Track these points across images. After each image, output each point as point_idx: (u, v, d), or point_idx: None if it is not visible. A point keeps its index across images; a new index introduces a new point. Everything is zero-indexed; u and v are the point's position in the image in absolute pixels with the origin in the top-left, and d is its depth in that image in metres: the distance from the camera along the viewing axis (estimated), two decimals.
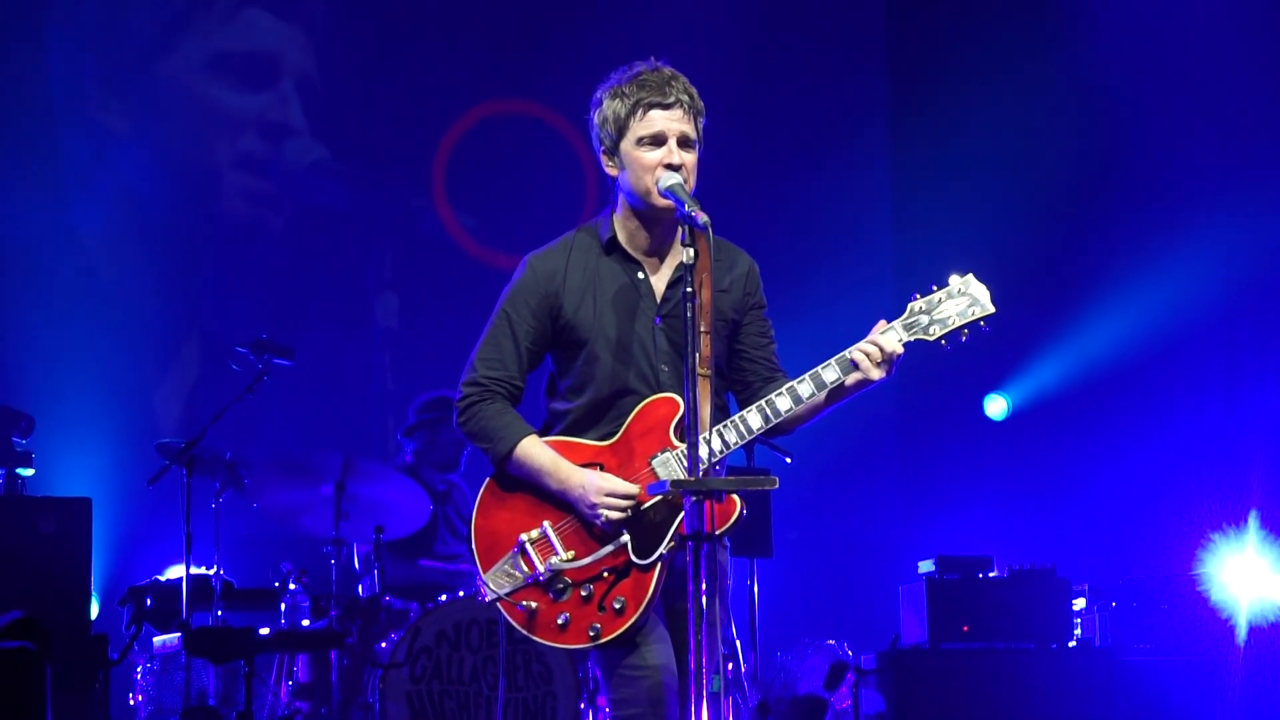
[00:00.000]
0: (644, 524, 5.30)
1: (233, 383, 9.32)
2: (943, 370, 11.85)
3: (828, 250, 12.60)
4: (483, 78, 12.37)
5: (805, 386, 5.41)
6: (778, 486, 5.26)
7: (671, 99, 5.40)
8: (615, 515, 5.29)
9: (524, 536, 5.38)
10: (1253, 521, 10.28)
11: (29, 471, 9.29)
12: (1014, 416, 12.38)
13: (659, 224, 5.50)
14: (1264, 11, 11.25)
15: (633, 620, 5.29)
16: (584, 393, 5.50)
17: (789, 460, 9.48)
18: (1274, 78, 11.22)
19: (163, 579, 9.49)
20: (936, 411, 12.78)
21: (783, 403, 5.41)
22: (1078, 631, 9.97)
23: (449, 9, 12.36)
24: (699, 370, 5.10)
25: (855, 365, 5.39)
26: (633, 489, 5.28)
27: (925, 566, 9.90)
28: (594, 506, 5.29)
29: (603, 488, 5.29)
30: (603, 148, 5.53)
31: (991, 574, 9.87)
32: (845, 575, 12.35)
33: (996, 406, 12.42)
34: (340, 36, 12.28)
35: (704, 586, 4.98)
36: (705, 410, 5.12)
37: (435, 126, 12.29)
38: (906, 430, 13.06)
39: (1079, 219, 12.01)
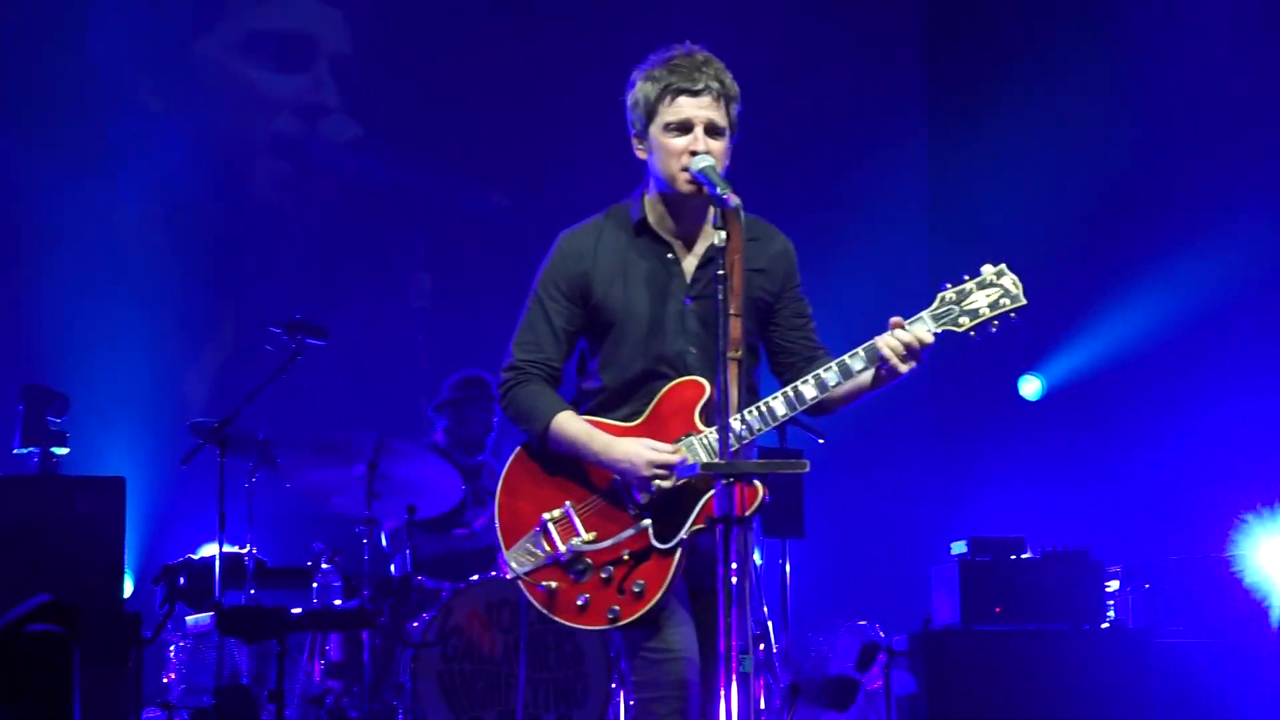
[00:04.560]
0: (665, 507, 5.31)
1: (266, 362, 9.33)
2: (977, 351, 11.76)
3: (862, 236, 12.55)
4: (518, 57, 12.37)
5: (831, 375, 5.41)
6: (809, 470, 5.26)
7: (700, 85, 5.40)
8: (665, 484, 5.29)
9: (546, 516, 5.41)
10: None
11: (64, 450, 9.32)
12: (1048, 397, 12.33)
13: (688, 207, 5.50)
14: None
15: (651, 604, 5.31)
16: (612, 373, 5.52)
17: (821, 441, 9.47)
18: None
19: (196, 558, 9.52)
20: (970, 392, 12.75)
21: (808, 390, 5.41)
22: (1111, 613, 9.94)
23: None
24: (729, 354, 5.09)
25: (882, 357, 5.38)
26: (678, 456, 5.29)
27: (958, 547, 9.88)
28: (644, 478, 5.30)
29: (652, 459, 5.30)
30: (633, 130, 5.54)
31: (1024, 555, 9.85)
32: (877, 556, 12.34)
33: (1031, 387, 12.37)
34: (377, 16, 12.28)
35: (733, 567, 4.99)
36: (734, 394, 5.10)
37: (471, 105, 12.29)
38: (940, 411, 13.03)
39: (1118, 200, 11.94)
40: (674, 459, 5.29)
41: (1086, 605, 9.72)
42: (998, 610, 9.69)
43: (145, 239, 11.52)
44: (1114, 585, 10.05)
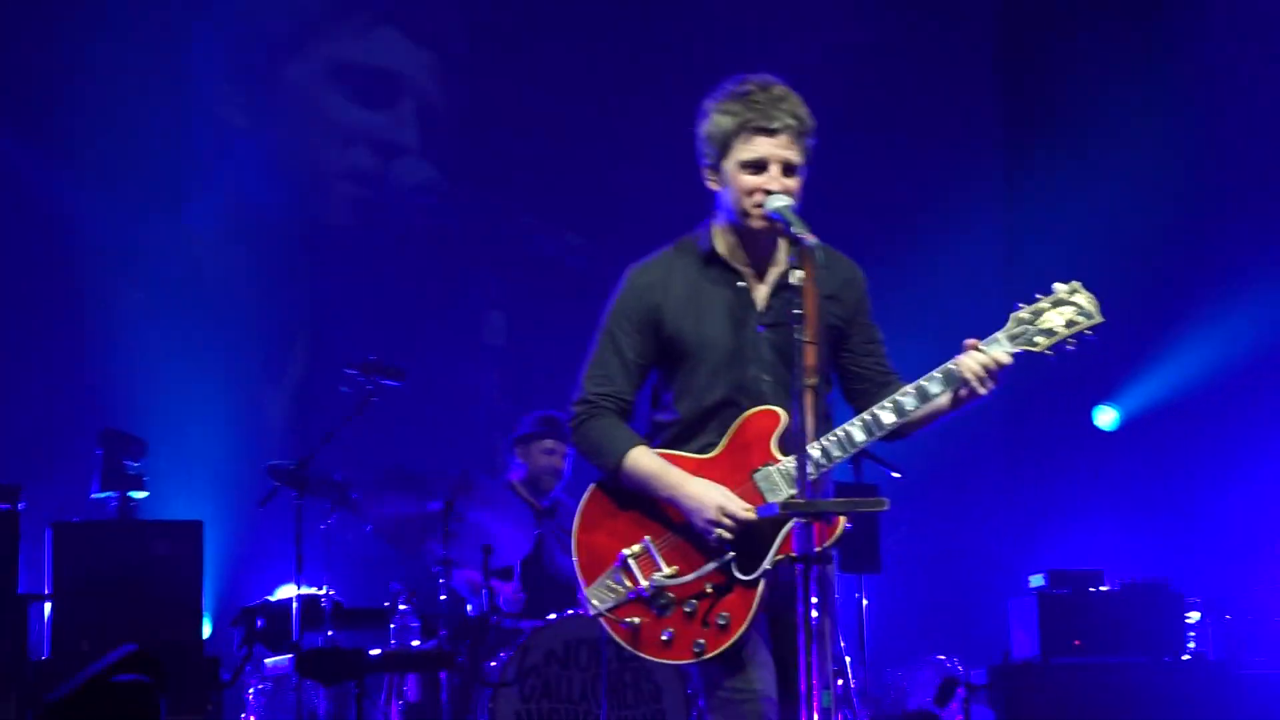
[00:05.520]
0: (747, 538, 5.28)
1: (340, 401, 9.36)
2: (1052, 381, 11.72)
3: (938, 265, 12.51)
4: (591, 96, 12.42)
5: (909, 399, 5.37)
6: (887, 508, 5.20)
7: (778, 124, 5.37)
8: (728, 536, 5.27)
9: (625, 552, 5.38)
10: None
11: (142, 494, 9.37)
12: (1124, 427, 12.27)
13: (759, 238, 5.48)
14: None
15: (738, 635, 5.27)
16: (685, 404, 5.50)
17: (897, 475, 9.44)
18: None
19: (274, 600, 9.53)
20: (1045, 422, 12.69)
21: (886, 416, 5.37)
22: (1191, 645, 9.88)
23: (571, 41, 12.43)
24: (805, 381, 5.07)
25: (963, 380, 5.35)
26: (749, 515, 5.25)
27: (1036, 580, 9.84)
28: (710, 522, 5.27)
29: (723, 505, 5.27)
30: (706, 162, 5.52)
31: (1103, 588, 9.79)
32: (954, 589, 12.28)
33: (1107, 417, 12.31)
34: (464, 62, 12.35)
35: (814, 602, 4.96)
36: (810, 422, 5.07)
37: (544, 145, 12.33)
38: (1015, 442, 12.97)
39: (1196, 226, 11.89)
40: (744, 514, 5.26)
41: (1167, 637, 9.67)
42: (1077, 643, 9.64)
43: (218, 261, 11.56)
44: (1194, 616, 9.99)
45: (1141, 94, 12.19)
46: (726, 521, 5.26)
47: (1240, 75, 11.77)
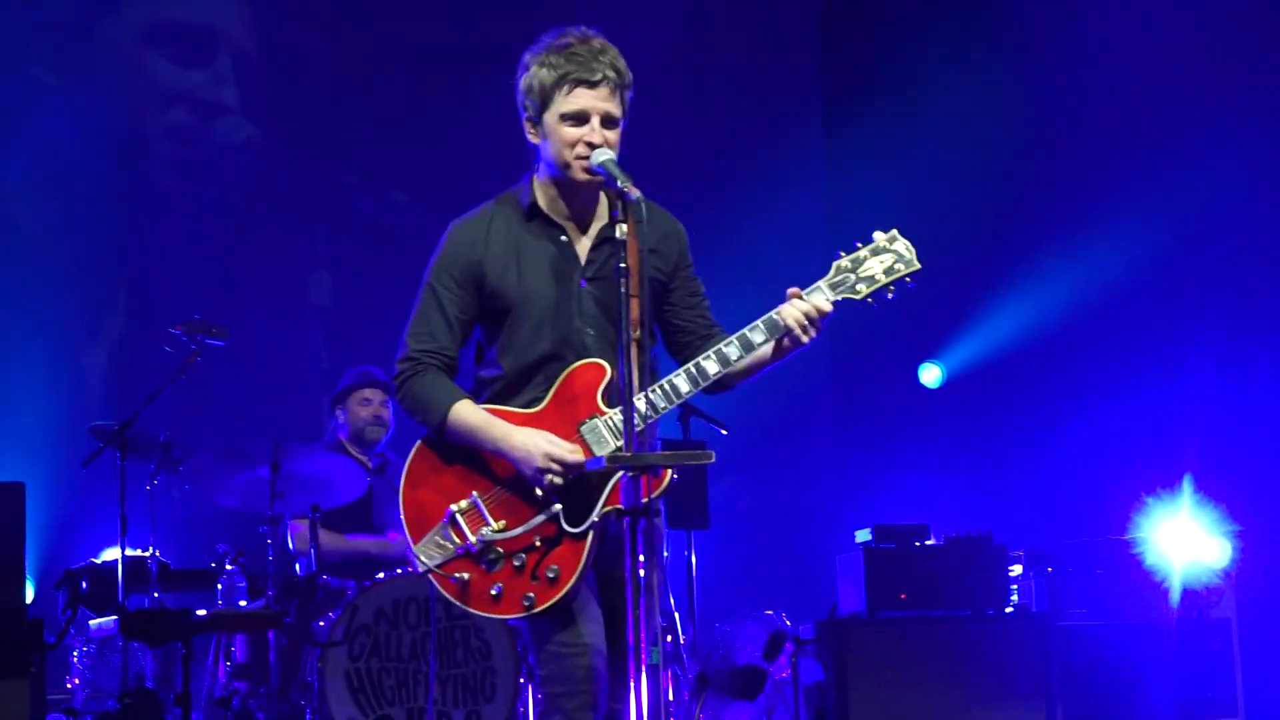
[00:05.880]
0: (575, 490, 5.28)
1: (164, 360, 9.26)
2: (876, 338, 11.90)
3: (760, 220, 12.56)
4: (412, 53, 12.35)
5: (733, 349, 5.41)
6: (714, 460, 5.24)
7: (598, 76, 5.36)
8: (559, 481, 5.27)
9: (453, 507, 5.35)
10: (1187, 486, 10.31)
11: None
12: (949, 385, 12.41)
13: (580, 191, 5.48)
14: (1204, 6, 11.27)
15: (567, 588, 5.28)
16: (509, 359, 5.48)
17: (724, 432, 9.48)
18: (1210, 57, 11.23)
19: (98, 562, 9.43)
20: (871, 380, 12.81)
21: (710, 366, 5.40)
22: (1014, 598, 9.99)
23: None
24: (629, 334, 5.08)
25: (785, 328, 5.39)
26: (577, 457, 5.25)
27: (862, 535, 9.90)
28: (538, 470, 5.26)
29: (549, 452, 5.26)
30: (526, 114, 5.50)
31: (928, 542, 9.88)
32: (782, 545, 12.37)
33: (931, 375, 12.45)
34: (282, 12, 12.21)
35: (642, 559, 4.98)
36: (635, 375, 5.10)
37: (365, 102, 12.24)
38: (841, 399, 13.09)
39: (1016, 183, 12.04)
40: (571, 457, 5.26)
41: (990, 590, 9.75)
42: (903, 597, 9.70)
43: (32, 218, 11.35)
44: (1017, 570, 10.10)
45: (961, 51, 12.30)
46: (555, 467, 5.25)
47: (1059, 38, 11.90)
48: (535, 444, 5.29)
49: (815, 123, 13.44)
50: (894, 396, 12.72)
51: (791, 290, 5.45)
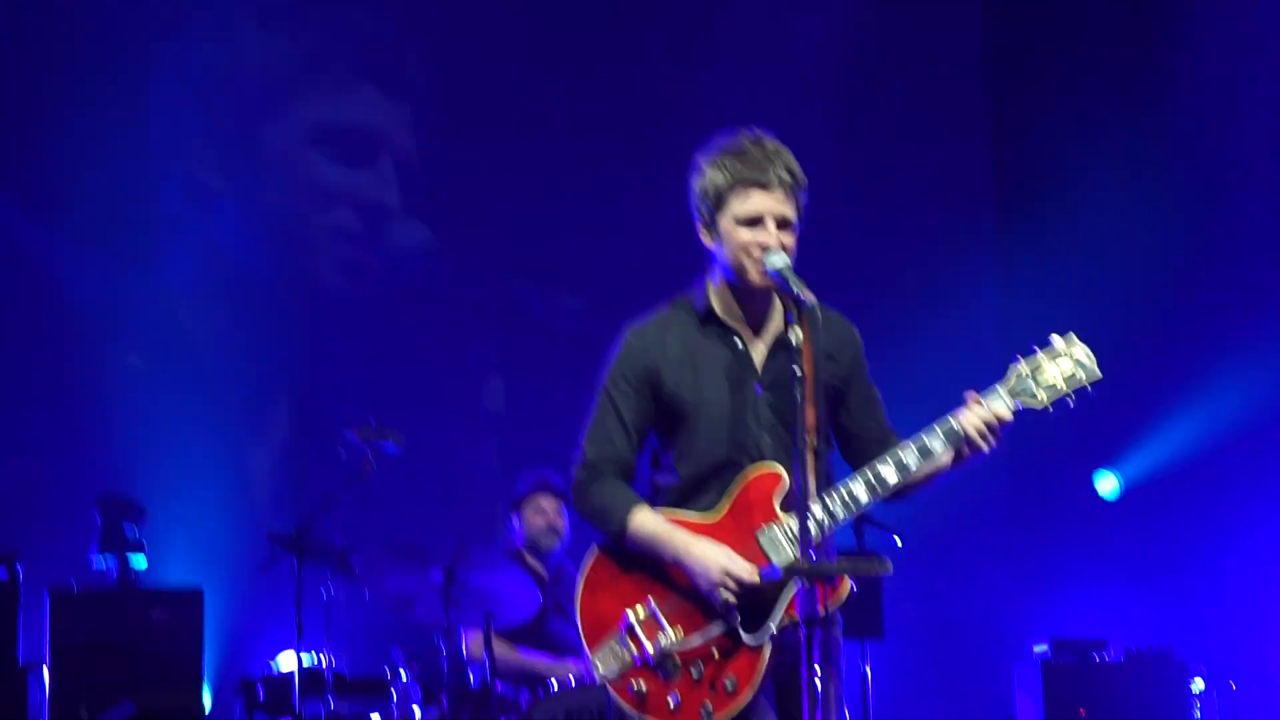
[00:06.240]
0: (752, 601, 5.24)
1: (332, 464, 9.31)
2: (1052, 447, 11.74)
3: (933, 325, 12.46)
4: (582, 156, 12.40)
5: (911, 457, 5.35)
6: (890, 571, 5.17)
7: (772, 178, 5.35)
8: (732, 599, 5.23)
9: (630, 616, 5.33)
10: None
11: (142, 560, 9.32)
12: (1126, 494, 12.24)
13: (755, 295, 5.46)
14: None
15: (745, 699, 5.22)
16: (686, 465, 5.45)
17: (899, 542, 9.41)
18: None
19: (275, 669, 9.49)
20: (1047, 489, 12.65)
21: (889, 474, 5.35)
22: (1197, 714, 9.83)
23: (550, 91, 12.41)
24: (806, 441, 5.04)
25: (965, 437, 5.33)
26: (754, 578, 5.21)
27: (1040, 648, 9.80)
28: (714, 585, 5.23)
29: (728, 568, 5.22)
30: (700, 218, 5.50)
31: (1107, 656, 9.75)
32: (958, 656, 12.22)
33: (1108, 484, 12.29)
34: (445, 118, 12.31)
35: (818, 670, 4.92)
36: (811, 482, 5.04)
37: (534, 205, 12.29)
38: (1016, 508, 12.93)
39: (1191, 286, 11.89)
40: (749, 577, 5.21)
41: (1171, 706, 9.62)
42: (1082, 712, 9.58)
43: (200, 321, 11.39)
44: (1199, 685, 9.94)
45: (1136, 150, 12.19)
46: (731, 584, 5.22)
47: (1231, 135, 11.79)
48: (715, 559, 5.25)
49: (988, 221, 13.36)
50: (1070, 506, 12.55)
51: (969, 394, 5.40)
